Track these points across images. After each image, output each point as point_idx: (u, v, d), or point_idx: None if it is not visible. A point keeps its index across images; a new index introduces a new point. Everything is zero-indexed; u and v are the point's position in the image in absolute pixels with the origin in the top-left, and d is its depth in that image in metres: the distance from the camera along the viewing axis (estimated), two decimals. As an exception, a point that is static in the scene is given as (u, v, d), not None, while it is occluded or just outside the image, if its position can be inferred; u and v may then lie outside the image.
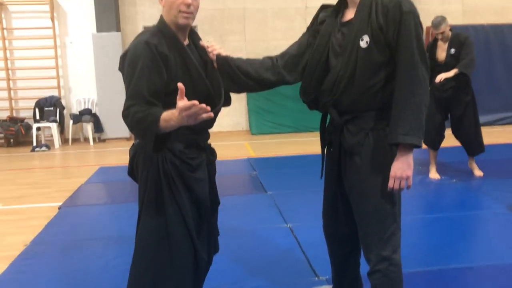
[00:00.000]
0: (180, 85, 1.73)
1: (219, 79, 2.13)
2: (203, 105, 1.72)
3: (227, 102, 2.23)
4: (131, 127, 1.89)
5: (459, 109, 4.99)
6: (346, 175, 2.17)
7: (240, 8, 9.51)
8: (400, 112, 1.96)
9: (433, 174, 5.22)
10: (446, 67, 4.83)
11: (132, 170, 2.15)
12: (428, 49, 5.01)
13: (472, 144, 5.10)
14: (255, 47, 9.62)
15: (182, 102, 1.73)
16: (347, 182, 2.17)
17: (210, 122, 2.10)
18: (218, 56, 2.16)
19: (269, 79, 2.23)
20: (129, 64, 1.93)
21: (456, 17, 9.86)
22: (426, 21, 10.39)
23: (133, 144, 2.16)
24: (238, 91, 2.30)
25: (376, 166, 2.07)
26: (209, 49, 2.17)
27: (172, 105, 1.80)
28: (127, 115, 1.87)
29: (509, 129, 9.02)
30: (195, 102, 1.71)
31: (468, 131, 5.04)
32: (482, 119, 9.41)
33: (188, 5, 1.96)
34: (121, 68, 2.02)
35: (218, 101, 2.09)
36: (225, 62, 2.17)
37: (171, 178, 2.01)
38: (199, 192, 2.08)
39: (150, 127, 1.82)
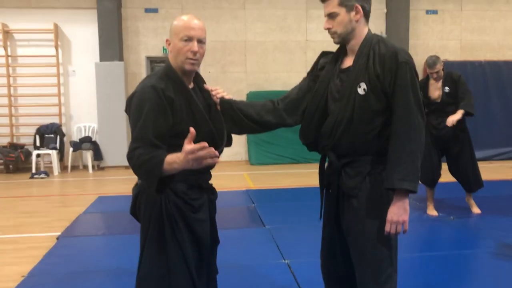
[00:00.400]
0: (191, 129, 1.80)
1: (222, 121, 2.20)
2: (212, 148, 1.77)
3: (229, 143, 2.29)
4: (135, 169, 1.94)
5: (456, 146, 5.04)
6: (344, 217, 2.21)
7: (242, 41, 9.69)
8: (396, 158, 2.02)
9: (431, 211, 5.23)
10: (442, 105, 4.92)
11: (135, 209, 2.18)
12: (420, 87, 5.07)
13: (470, 180, 5.12)
14: (256, 78, 9.76)
15: (190, 146, 1.78)
16: (344, 224, 2.21)
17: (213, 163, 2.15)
18: (222, 99, 2.24)
19: (270, 122, 2.31)
20: (135, 107, 1.98)
21: (454, 53, 10.05)
22: (424, 57, 10.55)
23: (136, 183, 2.20)
24: (240, 132, 2.37)
25: (373, 210, 2.11)
26: (213, 92, 2.25)
27: (177, 147, 1.87)
28: (132, 157, 1.92)
29: (507, 165, 9.08)
30: (205, 144, 1.77)
31: (466, 168, 5.07)
32: (479, 154, 9.47)
33: (195, 53, 2.04)
34: (127, 110, 2.08)
35: (221, 143, 2.15)
36: (228, 105, 2.24)
37: (173, 219, 2.04)
38: (201, 233, 2.12)
39: (154, 169, 1.87)
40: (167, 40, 2.11)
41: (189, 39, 2.03)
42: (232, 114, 2.24)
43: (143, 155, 1.89)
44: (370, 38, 2.15)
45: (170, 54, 2.11)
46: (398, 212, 2.03)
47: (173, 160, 1.85)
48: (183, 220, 2.06)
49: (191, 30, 2.03)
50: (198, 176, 2.13)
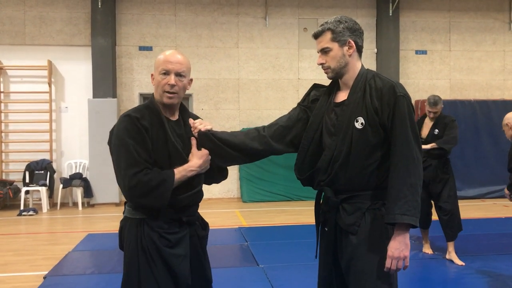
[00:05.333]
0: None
1: None
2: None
3: (222, 176, 2.28)
4: (143, 196, 1.95)
5: (438, 187, 4.86)
6: (343, 255, 2.15)
7: (235, 79, 9.79)
8: (397, 192, 1.99)
9: (427, 249, 5.16)
10: (425, 143, 4.75)
11: (122, 243, 2.14)
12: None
13: (448, 222, 4.82)
14: (248, 115, 9.80)
15: (200, 151, 2.14)
16: (343, 262, 2.15)
17: (193, 199, 2.13)
18: (199, 133, 2.19)
19: (256, 148, 2.24)
20: (116, 136, 2.03)
21: (444, 92, 10.20)
22: (414, 95, 10.73)
23: (123, 217, 2.17)
24: (225, 164, 2.30)
25: (373, 246, 2.07)
26: (192, 128, 2.20)
27: None
28: (137, 184, 1.93)
29: (499, 203, 9.08)
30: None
31: (445, 208, 4.83)
32: (471, 192, 9.56)
33: (172, 86, 2.06)
34: (109, 142, 2.12)
35: (198, 180, 2.15)
36: (205, 137, 2.18)
37: (148, 254, 1.99)
38: (178, 269, 2.04)
39: (166, 191, 1.96)
40: (151, 75, 2.16)
41: (167, 72, 2.06)
42: (212, 146, 2.18)
43: (152, 180, 1.93)
44: (365, 73, 2.16)
45: (154, 88, 2.16)
46: (400, 247, 1.99)
47: (187, 169, 2.03)
48: (158, 255, 2.01)
49: (168, 64, 2.06)
50: (179, 211, 2.10)
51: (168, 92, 2.06)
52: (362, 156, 2.08)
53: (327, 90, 2.31)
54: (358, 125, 2.08)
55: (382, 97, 2.06)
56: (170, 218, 2.06)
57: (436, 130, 4.87)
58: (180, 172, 2.03)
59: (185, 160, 2.08)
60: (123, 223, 2.12)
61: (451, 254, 4.89)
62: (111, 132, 2.10)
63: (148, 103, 2.12)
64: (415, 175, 2.00)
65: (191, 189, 2.10)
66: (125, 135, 1.98)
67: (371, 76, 2.15)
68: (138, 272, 1.99)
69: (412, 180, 2.00)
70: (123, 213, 2.16)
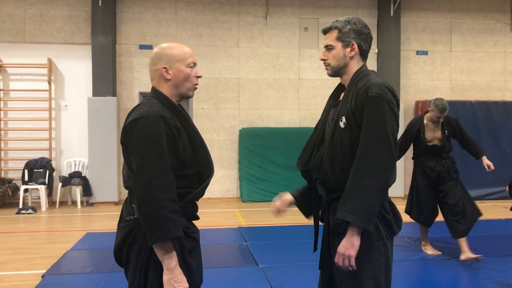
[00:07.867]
0: None
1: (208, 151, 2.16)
2: None
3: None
4: (153, 215, 1.81)
5: (448, 184, 4.97)
6: (333, 254, 2.15)
7: (235, 78, 9.76)
8: (348, 190, 1.99)
9: (429, 250, 5.14)
10: (441, 148, 4.97)
11: (122, 249, 2.00)
12: (418, 129, 5.02)
13: (467, 213, 4.87)
14: (248, 115, 9.78)
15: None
16: (334, 260, 2.15)
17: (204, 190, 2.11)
18: None
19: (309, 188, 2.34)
20: (147, 136, 1.86)
21: (445, 93, 10.18)
22: (415, 96, 10.68)
23: (126, 219, 2.01)
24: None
25: (359, 247, 2.04)
26: None
27: (180, 178, 1.89)
28: (159, 199, 1.80)
29: (499, 204, 9.05)
30: None
31: (462, 200, 4.90)
32: (472, 193, 9.33)
33: (199, 77, 2.06)
34: (126, 137, 1.92)
35: (208, 173, 2.08)
36: None
37: (179, 254, 1.91)
38: (200, 268, 2.06)
39: (172, 233, 1.83)
40: (164, 67, 1.99)
41: (195, 65, 2.04)
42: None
43: (172, 213, 1.82)
44: (358, 73, 2.15)
45: (168, 82, 2.00)
46: (346, 245, 2.00)
47: (173, 257, 1.85)
48: (184, 256, 1.95)
49: (194, 56, 2.05)
50: (194, 206, 2.06)
51: (196, 84, 2.04)
52: (346, 156, 2.07)
53: (335, 90, 2.33)
54: (341, 124, 2.09)
55: (358, 97, 2.06)
56: (189, 216, 2.01)
57: (447, 131, 4.96)
58: (171, 251, 1.86)
59: (207, 152, 2.05)
60: (135, 224, 1.94)
61: (463, 243, 4.80)
62: (131, 127, 1.88)
63: (161, 100, 1.97)
64: (372, 177, 1.95)
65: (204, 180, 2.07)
66: (158, 138, 1.85)
67: (361, 76, 2.14)
68: (161, 276, 1.89)
69: (367, 181, 1.95)
70: (130, 215, 1.97)
